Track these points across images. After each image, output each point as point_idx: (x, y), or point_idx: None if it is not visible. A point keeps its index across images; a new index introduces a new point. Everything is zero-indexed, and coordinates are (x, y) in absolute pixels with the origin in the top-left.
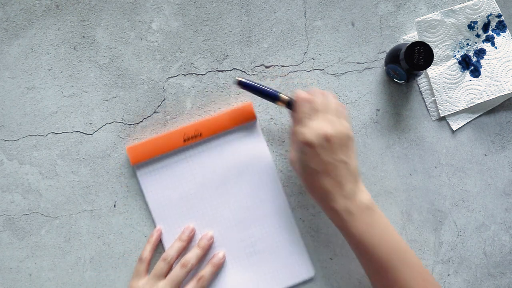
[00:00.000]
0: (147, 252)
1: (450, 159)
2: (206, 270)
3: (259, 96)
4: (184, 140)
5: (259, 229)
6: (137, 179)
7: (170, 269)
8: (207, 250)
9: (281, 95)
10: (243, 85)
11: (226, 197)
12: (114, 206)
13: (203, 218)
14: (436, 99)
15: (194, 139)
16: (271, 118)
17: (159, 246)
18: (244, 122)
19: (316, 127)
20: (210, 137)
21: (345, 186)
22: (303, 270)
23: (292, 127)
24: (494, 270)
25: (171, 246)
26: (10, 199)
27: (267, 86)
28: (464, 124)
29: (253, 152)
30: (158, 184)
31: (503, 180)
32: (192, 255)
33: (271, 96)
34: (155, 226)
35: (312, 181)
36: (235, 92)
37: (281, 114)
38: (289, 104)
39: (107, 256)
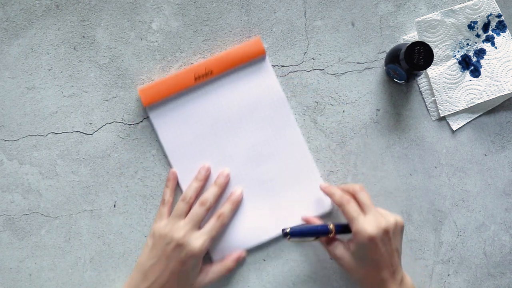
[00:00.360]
0: (167, 195)
1: (450, 159)
2: (225, 207)
3: (310, 237)
4: (195, 79)
5: (275, 163)
6: (150, 122)
7: (190, 208)
8: (225, 188)
9: (330, 227)
10: (293, 235)
11: (240, 133)
12: (114, 206)
13: (218, 155)
14: (436, 99)
15: (205, 77)
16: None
17: (177, 190)
18: (253, 57)
19: (373, 221)
20: (221, 75)
21: (397, 273)
22: (321, 203)
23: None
24: (494, 270)
25: (189, 186)
26: (10, 199)
27: (314, 226)
28: (464, 124)
29: (264, 87)
30: (172, 125)
31: (503, 180)
32: (209, 193)
33: (324, 233)
34: (171, 167)
35: (370, 273)
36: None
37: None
38: (338, 229)
39: (107, 256)
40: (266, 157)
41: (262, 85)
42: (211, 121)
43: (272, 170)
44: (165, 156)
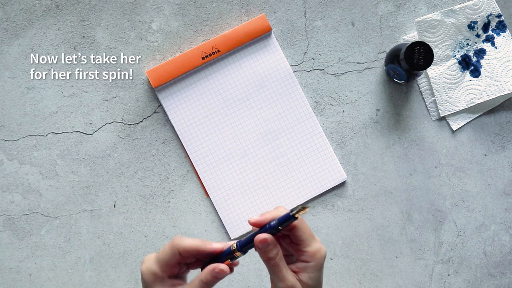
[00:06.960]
0: None
1: (450, 159)
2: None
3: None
4: (203, 58)
5: (287, 138)
6: (159, 102)
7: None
8: None
9: (233, 246)
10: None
11: (250, 110)
12: (114, 206)
13: (229, 133)
14: (436, 99)
15: (213, 56)
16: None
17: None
18: (259, 34)
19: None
20: (228, 53)
21: None
22: (335, 174)
23: (270, 261)
24: (494, 270)
25: None
26: (10, 199)
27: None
28: (464, 124)
29: (271, 63)
30: (181, 105)
31: (503, 180)
32: None
33: (286, 220)
34: (183, 147)
35: None
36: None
37: None
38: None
39: (107, 256)
40: (277, 132)
41: (269, 61)
42: (220, 99)
43: (284, 144)
44: (166, 152)
